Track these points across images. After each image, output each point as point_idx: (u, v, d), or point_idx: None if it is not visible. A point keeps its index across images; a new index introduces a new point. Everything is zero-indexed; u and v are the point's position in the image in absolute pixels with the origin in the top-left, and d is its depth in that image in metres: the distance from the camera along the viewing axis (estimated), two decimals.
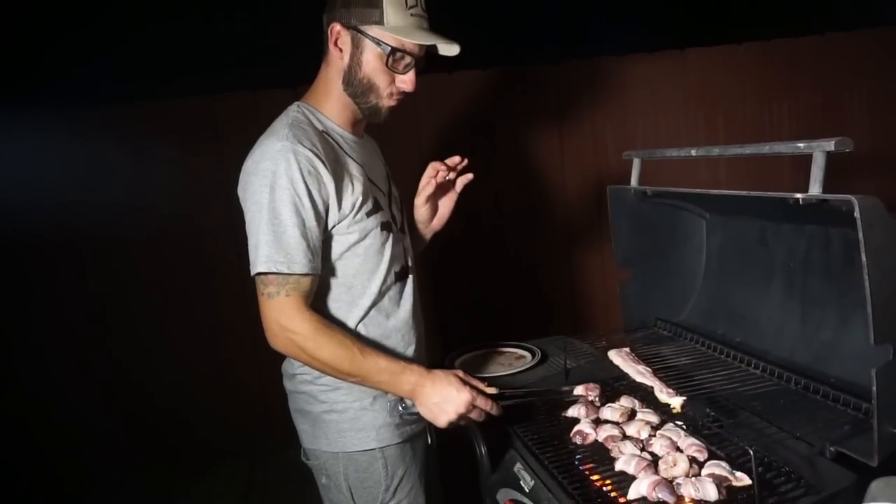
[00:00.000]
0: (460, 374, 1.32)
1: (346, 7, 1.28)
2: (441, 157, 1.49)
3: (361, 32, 1.28)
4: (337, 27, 1.30)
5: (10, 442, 2.76)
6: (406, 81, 1.33)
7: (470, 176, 1.52)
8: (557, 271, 3.15)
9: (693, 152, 1.33)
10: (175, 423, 2.87)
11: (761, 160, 2.89)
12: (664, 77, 3.13)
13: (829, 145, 1.02)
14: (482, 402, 1.29)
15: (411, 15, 1.28)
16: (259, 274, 1.24)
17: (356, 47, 1.29)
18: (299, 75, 2.24)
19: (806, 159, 1.05)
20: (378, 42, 1.27)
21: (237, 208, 1.32)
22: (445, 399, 1.26)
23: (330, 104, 1.37)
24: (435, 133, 2.90)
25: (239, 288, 2.89)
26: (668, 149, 1.43)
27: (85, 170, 2.70)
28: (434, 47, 1.34)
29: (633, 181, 1.57)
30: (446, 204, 1.57)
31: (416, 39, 1.28)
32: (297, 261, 1.22)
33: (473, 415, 1.29)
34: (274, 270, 1.22)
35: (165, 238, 2.80)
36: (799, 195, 1.06)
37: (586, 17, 2.98)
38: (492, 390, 1.33)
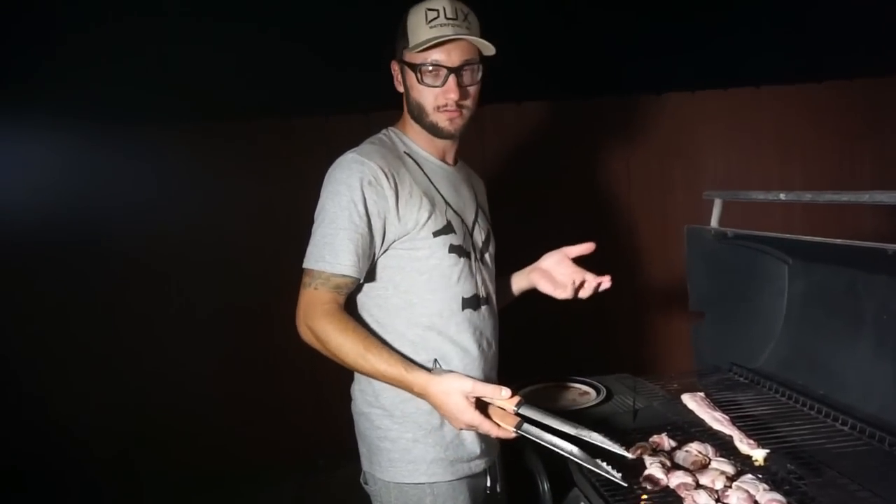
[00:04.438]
0: (468, 388, 1.17)
1: (394, 44, 1.42)
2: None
3: (400, 61, 1.41)
4: (394, 64, 1.43)
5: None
6: (447, 91, 1.35)
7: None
8: (620, 307, 3.07)
9: (782, 196, 1.29)
10: (223, 443, 2.82)
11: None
12: (736, 114, 3.06)
13: None
14: (488, 427, 1.17)
15: (430, 27, 1.31)
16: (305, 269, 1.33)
17: (404, 75, 1.41)
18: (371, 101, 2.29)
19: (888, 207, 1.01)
20: (407, 64, 1.38)
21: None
22: (450, 415, 1.20)
23: (412, 130, 1.47)
24: (500, 162, 2.90)
25: (294, 310, 2.90)
26: (754, 191, 1.40)
27: (145, 190, 2.71)
28: (475, 58, 1.35)
29: (714, 222, 1.53)
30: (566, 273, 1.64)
31: (421, 38, 1.30)
32: (341, 262, 1.29)
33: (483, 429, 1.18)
34: (317, 268, 1.29)
35: (227, 259, 2.80)
36: None
37: (658, 51, 2.95)
38: (508, 403, 1.16)
